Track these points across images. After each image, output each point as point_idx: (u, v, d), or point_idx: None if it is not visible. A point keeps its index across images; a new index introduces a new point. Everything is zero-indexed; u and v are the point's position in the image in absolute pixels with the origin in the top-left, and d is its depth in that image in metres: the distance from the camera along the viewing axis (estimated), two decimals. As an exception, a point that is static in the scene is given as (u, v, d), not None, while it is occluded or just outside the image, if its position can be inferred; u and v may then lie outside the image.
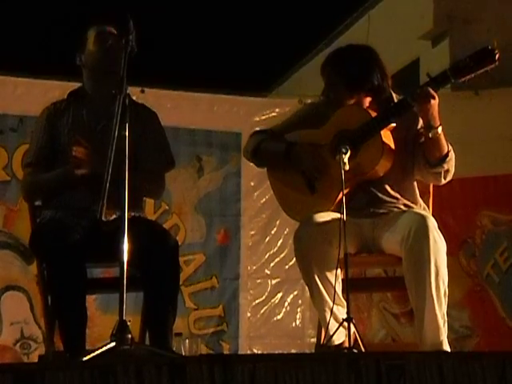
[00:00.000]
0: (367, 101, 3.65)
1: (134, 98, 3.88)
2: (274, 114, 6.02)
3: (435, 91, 3.42)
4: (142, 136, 3.66)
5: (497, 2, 7.82)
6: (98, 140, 3.63)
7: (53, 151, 3.75)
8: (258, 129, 4.01)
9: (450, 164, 3.55)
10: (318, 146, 3.63)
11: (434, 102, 3.42)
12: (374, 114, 3.58)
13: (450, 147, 3.54)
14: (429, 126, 3.46)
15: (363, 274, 4.59)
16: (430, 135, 3.47)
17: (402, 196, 3.64)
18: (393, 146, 3.57)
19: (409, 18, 8.92)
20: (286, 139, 3.71)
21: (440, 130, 3.46)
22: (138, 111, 3.42)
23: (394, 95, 3.69)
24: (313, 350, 3.87)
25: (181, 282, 4.08)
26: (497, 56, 3.37)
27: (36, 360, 4.39)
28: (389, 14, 9.33)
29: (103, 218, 3.08)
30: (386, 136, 3.55)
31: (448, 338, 3.40)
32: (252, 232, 6.05)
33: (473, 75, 3.43)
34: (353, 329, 3.25)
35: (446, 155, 3.52)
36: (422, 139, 3.56)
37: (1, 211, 5.55)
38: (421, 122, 3.56)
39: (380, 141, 3.53)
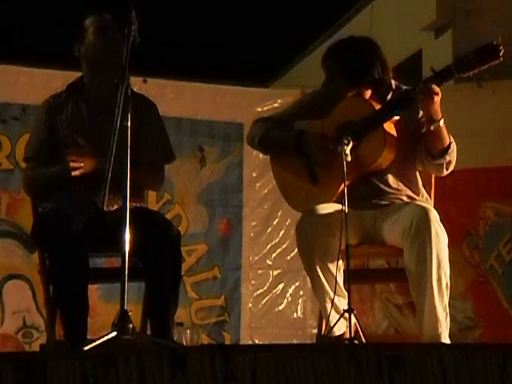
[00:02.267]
0: (368, 93, 3.65)
1: (136, 87, 3.87)
2: (276, 104, 6.02)
3: (438, 86, 3.42)
4: (141, 128, 3.64)
5: (500, -7, 7.80)
6: (97, 134, 3.63)
7: (53, 145, 3.74)
8: (260, 117, 4.00)
9: (452, 155, 3.55)
10: (324, 136, 3.62)
11: (437, 98, 3.42)
12: (377, 107, 3.57)
13: (452, 139, 3.54)
14: (431, 120, 3.46)
15: (366, 265, 4.60)
16: (432, 128, 3.47)
17: (404, 187, 3.64)
18: (395, 137, 3.56)
19: (412, 10, 8.91)
20: (295, 128, 3.71)
21: (442, 122, 3.46)
22: (137, 102, 3.41)
23: (393, 84, 3.69)
24: (314, 341, 3.87)
25: (183, 272, 4.10)
26: (501, 52, 3.36)
27: (38, 349, 4.40)
28: (392, 5, 9.31)
29: (105, 208, 3.08)
30: (389, 128, 3.55)
31: (451, 329, 3.40)
32: (254, 223, 6.06)
33: (476, 70, 3.42)
34: (354, 320, 3.25)
35: (448, 147, 3.52)
36: (424, 129, 3.56)
37: (4, 200, 5.56)
38: (421, 112, 3.56)
39: (382, 133, 3.53)
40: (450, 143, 3.52)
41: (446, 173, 3.62)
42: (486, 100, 5.85)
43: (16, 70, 5.66)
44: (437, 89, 3.41)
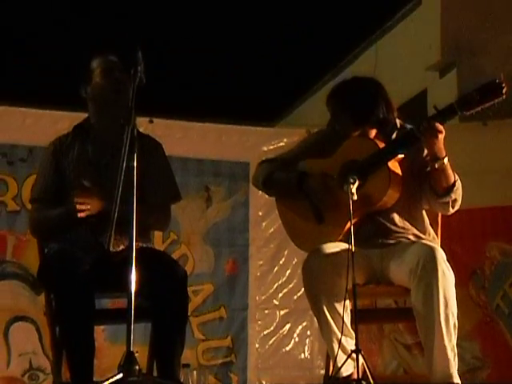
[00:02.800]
0: (373, 132, 3.66)
1: (143, 128, 3.89)
2: (281, 143, 6.02)
3: (442, 124, 3.43)
4: (147, 168, 3.63)
5: (504, 33, 7.85)
6: (103, 175, 3.63)
7: (59, 187, 3.75)
8: (266, 158, 4.01)
9: (457, 193, 3.55)
10: (327, 175, 3.63)
11: (441, 135, 3.43)
12: (381, 145, 3.58)
13: (457, 176, 3.55)
14: (435, 158, 3.47)
15: (374, 304, 4.57)
16: (437, 166, 3.47)
17: (410, 225, 3.64)
18: (400, 176, 3.57)
19: (416, 49, 8.96)
20: (297, 169, 3.72)
21: (446, 160, 3.47)
22: (143, 143, 3.43)
23: (398, 123, 3.70)
24: (321, 382, 3.84)
25: (189, 313, 4.07)
26: (504, 89, 3.38)
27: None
28: (396, 44, 9.37)
29: (111, 249, 3.08)
30: (394, 166, 3.56)
31: (459, 369, 3.38)
32: (260, 262, 6.04)
33: (480, 108, 3.43)
34: (361, 360, 3.23)
35: (453, 185, 3.52)
36: (428, 168, 3.56)
37: (10, 241, 5.55)
38: (426, 151, 3.56)
39: (387, 171, 3.53)
40: (454, 181, 3.53)
41: (451, 211, 3.62)
42: (492, 139, 5.86)
43: (22, 111, 5.68)
44: (440, 127, 3.42)
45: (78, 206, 3.54)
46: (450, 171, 3.51)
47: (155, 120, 5.73)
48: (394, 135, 3.69)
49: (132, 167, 3.05)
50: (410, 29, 9.30)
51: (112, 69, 3.76)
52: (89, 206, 3.55)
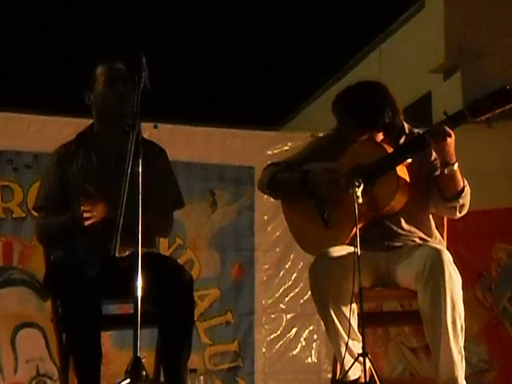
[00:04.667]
0: (380, 136, 3.65)
1: (147, 133, 3.89)
2: (286, 147, 6.02)
3: (452, 129, 3.42)
4: (150, 174, 3.62)
5: (508, 35, 7.84)
6: (107, 182, 3.63)
7: (64, 194, 3.76)
8: (271, 162, 4.01)
9: (466, 199, 3.54)
10: (334, 171, 3.62)
11: (451, 140, 3.42)
12: (389, 150, 3.58)
13: (466, 182, 3.54)
14: (445, 163, 3.46)
15: (380, 308, 4.56)
16: (446, 172, 3.47)
17: (417, 229, 3.63)
18: (408, 180, 3.56)
19: (420, 52, 8.96)
20: (302, 169, 3.72)
21: (456, 166, 3.46)
22: (147, 149, 3.43)
23: (406, 127, 3.70)
24: (329, 386, 3.84)
25: (196, 318, 4.07)
26: None
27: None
28: (400, 47, 9.37)
29: (117, 254, 3.09)
30: (402, 171, 3.55)
31: (466, 372, 3.37)
32: (266, 266, 6.03)
33: (490, 115, 3.43)
34: (368, 364, 3.23)
35: (462, 190, 3.52)
36: (437, 172, 3.56)
37: (16, 247, 5.56)
38: (434, 154, 3.56)
39: (396, 176, 3.52)
40: (463, 186, 3.52)
41: (458, 216, 3.61)
42: (497, 141, 5.85)
43: (27, 118, 5.69)
44: (450, 132, 3.41)
45: (83, 214, 3.54)
46: (459, 176, 3.50)
47: (160, 125, 5.73)
48: (401, 139, 3.68)
49: (137, 173, 3.05)
50: (414, 31, 9.30)
51: (115, 78, 3.75)
52: (94, 213, 3.55)
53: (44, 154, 5.18)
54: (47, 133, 5.55)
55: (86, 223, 3.54)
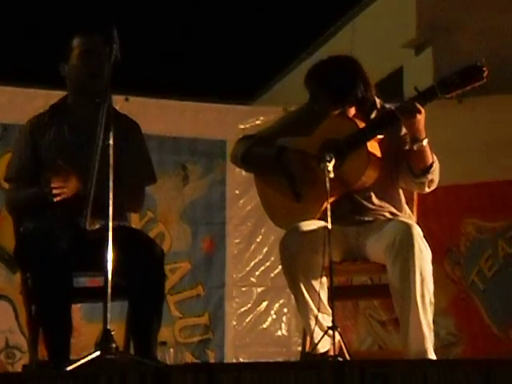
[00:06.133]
0: (352, 111, 3.65)
1: (118, 106, 3.87)
2: (258, 121, 6.03)
3: (422, 105, 3.43)
4: (122, 149, 3.56)
5: (479, 11, 7.86)
6: (79, 156, 3.61)
7: (35, 166, 3.72)
8: (244, 135, 4.01)
9: (435, 174, 3.56)
10: (306, 153, 3.63)
11: (421, 117, 3.43)
12: (361, 125, 3.59)
13: (435, 157, 3.55)
14: (414, 139, 3.48)
15: (350, 281, 4.59)
16: (416, 148, 3.48)
17: (387, 203, 3.65)
18: (379, 156, 3.57)
19: (392, 27, 8.95)
20: (276, 144, 3.72)
21: (425, 142, 3.47)
22: (119, 122, 3.40)
23: (378, 102, 3.71)
24: (299, 359, 3.86)
25: (166, 291, 4.07)
26: (485, 73, 3.39)
27: (20, 370, 4.37)
28: (372, 22, 9.36)
29: (88, 227, 3.08)
30: (373, 147, 3.56)
31: (434, 345, 3.41)
32: (237, 240, 6.05)
33: (460, 91, 3.45)
34: (338, 337, 3.25)
35: (431, 166, 3.53)
36: (406, 146, 3.57)
37: (-15, 219, 5.52)
38: (404, 129, 3.57)
39: (366, 152, 3.53)
40: (432, 162, 3.53)
41: (427, 191, 3.63)
42: (467, 116, 5.88)
43: (-3, 89, 5.64)
44: (421, 108, 3.42)
45: (53, 191, 3.51)
46: (428, 152, 3.51)
47: (131, 98, 5.71)
48: (373, 114, 3.69)
49: (108, 146, 3.04)
50: (386, 6, 9.29)
51: (90, 51, 3.71)
52: (65, 189, 3.52)
53: (13, 126, 5.15)
54: (17, 104, 5.50)
55: (56, 199, 3.52)
